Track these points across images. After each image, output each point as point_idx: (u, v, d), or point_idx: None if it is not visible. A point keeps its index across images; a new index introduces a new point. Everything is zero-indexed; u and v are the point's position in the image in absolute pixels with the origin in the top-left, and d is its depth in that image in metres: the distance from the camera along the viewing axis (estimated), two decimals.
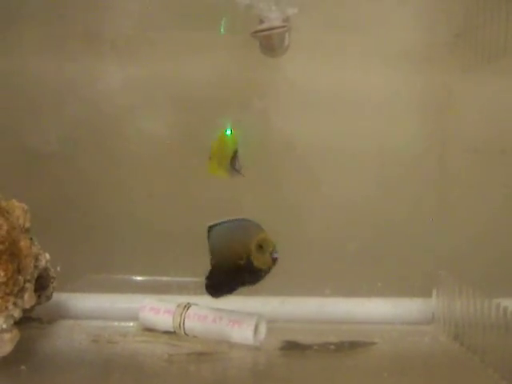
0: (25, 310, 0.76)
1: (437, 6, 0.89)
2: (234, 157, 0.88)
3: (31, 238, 0.81)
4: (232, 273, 0.83)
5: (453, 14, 0.90)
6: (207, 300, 0.96)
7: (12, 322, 0.74)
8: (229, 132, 1.03)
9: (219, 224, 0.84)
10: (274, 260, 0.82)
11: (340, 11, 0.95)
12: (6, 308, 0.72)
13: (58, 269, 0.87)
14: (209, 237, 0.84)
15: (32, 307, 0.79)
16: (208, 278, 0.84)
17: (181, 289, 1.01)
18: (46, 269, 0.84)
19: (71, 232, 1.01)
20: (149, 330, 0.91)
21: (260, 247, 0.82)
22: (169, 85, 1.02)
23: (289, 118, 1.02)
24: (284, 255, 0.96)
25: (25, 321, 0.78)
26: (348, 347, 0.87)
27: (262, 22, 0.85)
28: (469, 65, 0.90)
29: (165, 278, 1.03)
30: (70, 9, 0.97)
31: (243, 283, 0.83)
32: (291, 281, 0.99)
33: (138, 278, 1.04)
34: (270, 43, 0.85)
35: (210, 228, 0.84)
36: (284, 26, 0.83)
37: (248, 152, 1.01)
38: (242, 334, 0.85)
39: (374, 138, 1.01)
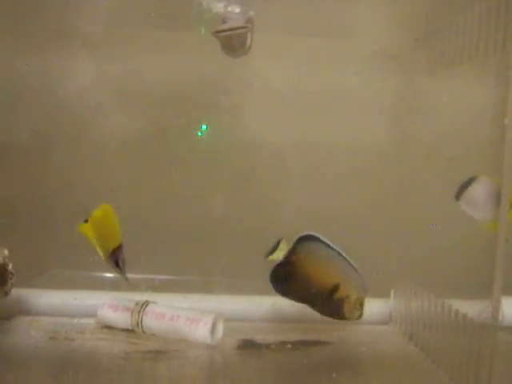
0: None
1: (397, 11, 0.90)
2: (118, 250, 0.74)
3: None
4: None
5: (413, 19, 0.91)
6: (169, 297, 0.97)
7: None
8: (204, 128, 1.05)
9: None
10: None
11: (307, 16, 0.95)
12: None
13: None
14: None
15: None
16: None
17: (144, 286, 1.01)
18: (3, 265, 0.85)
19: (34, 227, 1.00)
20: (107, 327, 0.91)
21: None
22: (139, 81, 1.02)
23: (257, 117, 1.03)
24: (249, 252, 0.97)
25: None
26: (304, 346, 0.88)
27: (224, 21, 0.85)
28: (430, 69, 0.91)
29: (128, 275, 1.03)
30: (42, 5, 0.97)
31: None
32: (257, 279, 1.00)
33: (99, 275, 1.04)
34: (230, 43, 0.85)
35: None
36: (245, 27, 0.83)
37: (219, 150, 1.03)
38: (199, 332, 0.86)
39: (341, 138, 1.03)
